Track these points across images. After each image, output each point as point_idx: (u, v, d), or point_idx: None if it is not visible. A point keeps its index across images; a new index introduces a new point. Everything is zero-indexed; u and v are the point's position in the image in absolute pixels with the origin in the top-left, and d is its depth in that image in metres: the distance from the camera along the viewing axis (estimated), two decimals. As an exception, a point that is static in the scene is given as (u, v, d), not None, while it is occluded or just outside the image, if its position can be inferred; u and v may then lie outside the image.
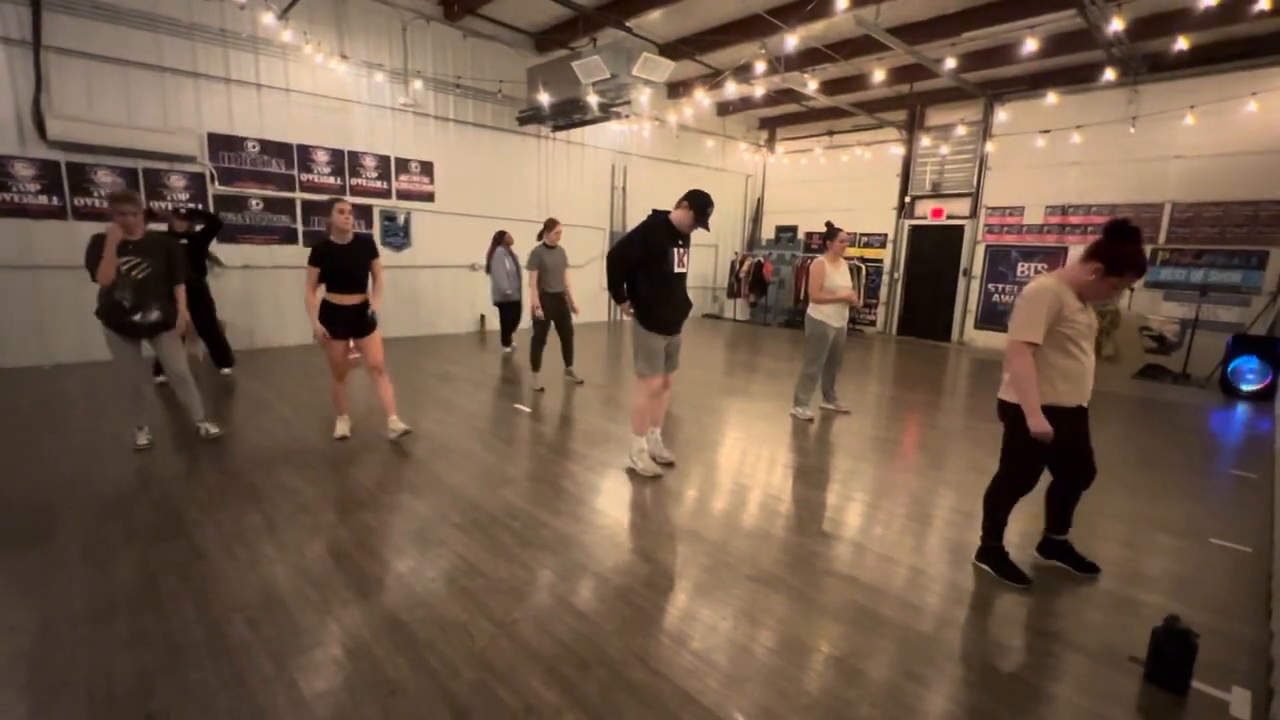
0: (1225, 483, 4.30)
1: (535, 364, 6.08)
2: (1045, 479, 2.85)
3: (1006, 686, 2.10)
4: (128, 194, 3.79)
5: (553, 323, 6.08)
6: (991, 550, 2.85)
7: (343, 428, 4.37)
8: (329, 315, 4.08)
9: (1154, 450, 4.96)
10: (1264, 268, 7.83)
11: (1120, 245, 2.49)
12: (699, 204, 3.66)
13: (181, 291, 4.03)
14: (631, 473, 3.91)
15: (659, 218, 3.73)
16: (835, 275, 5.20)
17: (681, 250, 3.75)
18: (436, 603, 2.44)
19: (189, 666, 2.04)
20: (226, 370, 6.03)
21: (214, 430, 4.25)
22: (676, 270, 3.72)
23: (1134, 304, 8.68)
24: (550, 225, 5.96)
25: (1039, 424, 2.51)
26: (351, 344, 4.22)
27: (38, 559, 2.68)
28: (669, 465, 4.07)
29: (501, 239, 7.64)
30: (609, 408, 5.56)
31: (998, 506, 2.82)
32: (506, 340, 7.92)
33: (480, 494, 3.54)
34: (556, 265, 5.94)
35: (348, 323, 4.12)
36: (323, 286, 4.09)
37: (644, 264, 3.67)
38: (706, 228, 3.76)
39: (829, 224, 5.34)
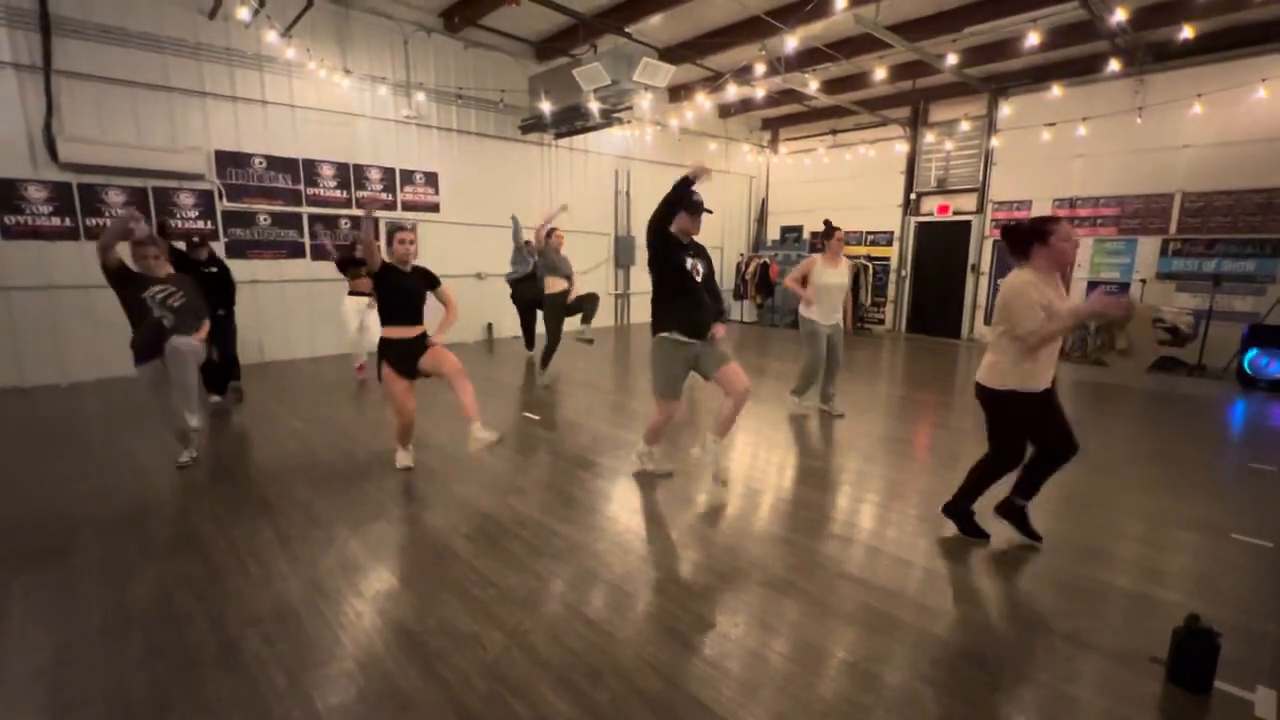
0: (1244, 477, 4.22)
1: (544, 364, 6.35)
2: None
3: (1024, 689, 2.07)
4: (151, 236, 3.85)
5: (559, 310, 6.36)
6: (961, 511, 3.14)
7: (405, 459, 4.06)
8: (389, 352, 3.82)
9: (1170, 445, 4.89)
10: (1278, 256, 7.71)
11: (1034, 225, 2.80)
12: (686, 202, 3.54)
13: (205, 326, 4.08)
14: (642, 474, 3.88)
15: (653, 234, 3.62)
16: (827, 274, 5.19)
17: (691, 261, 3.62)
18: (448, 614, 2.44)
19: (204, 681, 2.05)
20: (217, 398, 5.69)
21: (183, 459, 4.07)
22: (696, 279, 3.62)
23: (1146, 296, 8.58)
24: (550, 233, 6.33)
25: (1106, 302, 2.74)
26: (421, 371, 3.90)
27: (55, 575, 2.71)
28: (723, 483, 3.84)
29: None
30: (618, 414, 5.56)
31: (982, 480, 3.06)
32: (530, 345, 7.90)
33: (490, 503, 3.55)
34: (565, 270, 6.31)
35: (408, 358, 3.83)
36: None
37: (664, 268, 3.58)
38: (709, 211, 3.65)
39: (827, 222, 5.37)
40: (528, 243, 7.22)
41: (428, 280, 3.95)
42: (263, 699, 1.97)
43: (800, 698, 2.00)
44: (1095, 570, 2.85)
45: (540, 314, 6.61)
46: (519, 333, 8.13)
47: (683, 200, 3.46)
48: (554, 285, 6.27)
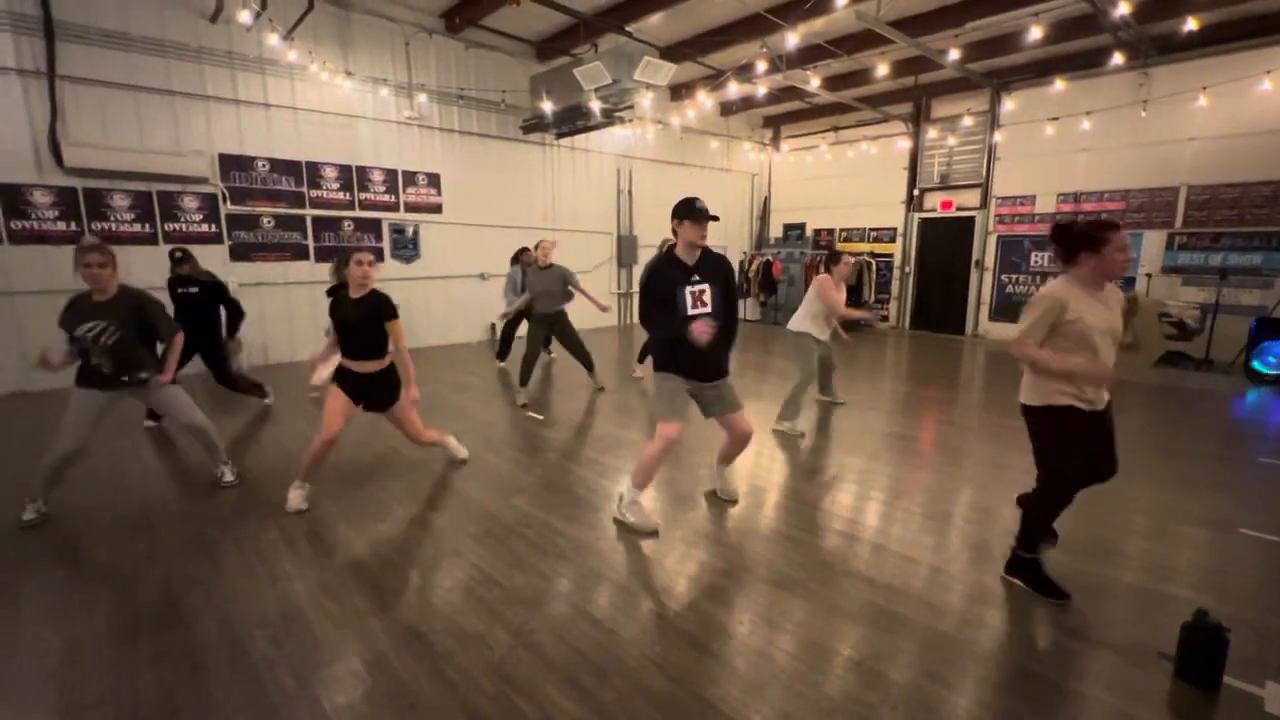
0: (1253, 471, 4.20)
1: (523, 379, 5.87)
2: None
3: (1032, 686, 2.06)
4: (95, 243, 3.25)
5: (557, 341, 6.10)
6: (1025, 563, 2.63)
7: (297, 500, 3.41)
8: (343, 380, 3.49)
9: (1178, 439, 4.86)
10: (1286, 249, 7.66)
11: (1088, 230, 2.51)
12: (685, 211, 3.01)
13: (178, 341, 3.55)
14: (620, 525, 3.25)
15: (660, 257, 3.22)
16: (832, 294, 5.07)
17: (698, 289, 3.04)
18: (454, 614, 2.45)
19: (212, 683, 2.06)
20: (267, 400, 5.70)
21: (229, 477, 3.79)
22: (691, 313, 3.02)
23: (1152, 290, 8.53)
24: (536, 246, 5.93)
25: (1096, 369, 2.43)
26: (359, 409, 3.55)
27: (63, 579, 2.73)
28: (733, 502, 3.57)
29: (519, 258, 7.23)
30: (621, 414, 5.56)
31: (1041, 514, 2.62)
32: (546, 346, 7.47)
33: (495, 503, 3.55)
34: (548, 287, 5.75)
35: (365, 394, 3.52)
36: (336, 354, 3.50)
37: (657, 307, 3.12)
38: (714, 218, 3.06)
39: (830, 248, 5.23)
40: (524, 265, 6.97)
41: (386, 309, 3.46)
42: (270, 700, 1.98)
43: (806, 696, 2.00)
44: (1103, 566, 2.83)
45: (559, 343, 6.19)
46: (521, 334, 8.08)
47: (692, 211, 3.00)
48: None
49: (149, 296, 3.51)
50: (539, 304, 5.84)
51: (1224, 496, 3.69)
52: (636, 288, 11.57)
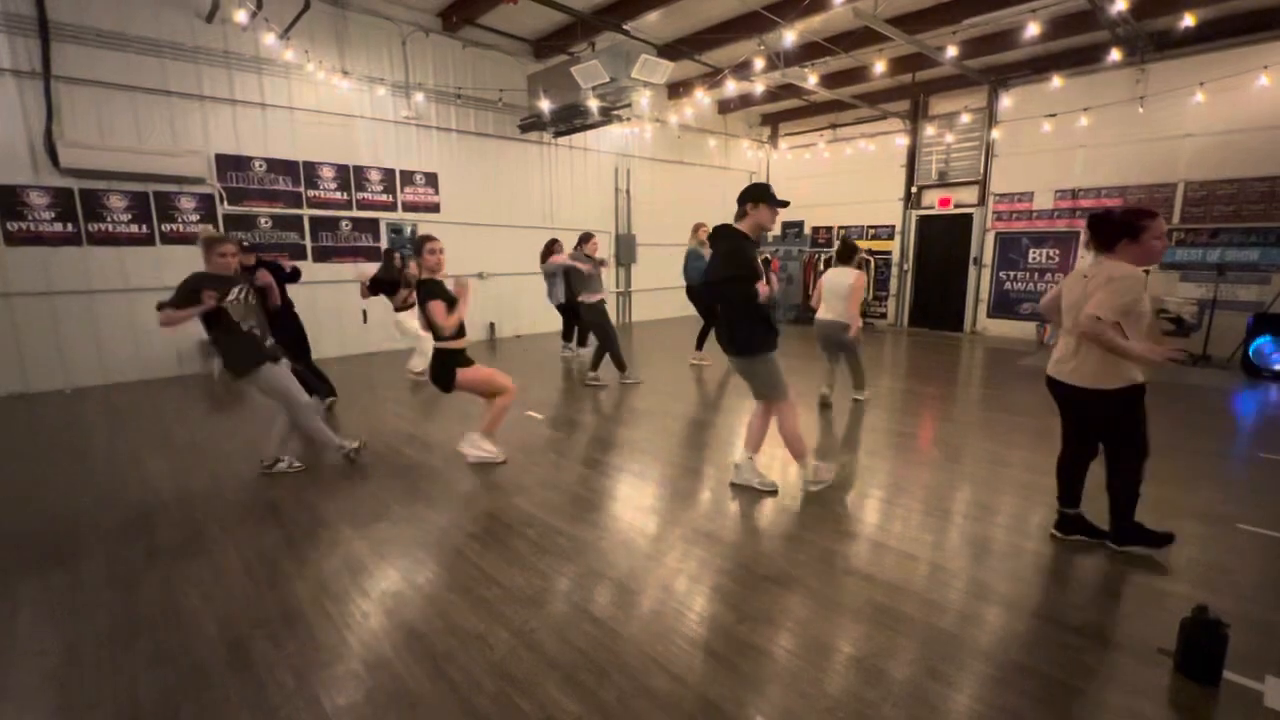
0: (1251, 466, 4.21)
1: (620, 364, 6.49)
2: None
3: (1032, 682, 2.06)
4: (222, 236, 3.82)
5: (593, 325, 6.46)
6: (1135, 529, 2.83)
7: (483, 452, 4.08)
8: (462, 361, 3.94)
9: (1176, 435, 4.87)
10: (1283, 244, 7.67)
11: (1127, 219, 2.62)
12: (763, 195, 3.38)
13: (268, 280, 4.17)
14: (745, 489, 3.68)
15: (739, 237, 3.42)
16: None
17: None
18: (454, 613, 2.45)
19: (212, 684, 2.06)
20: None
21: (353, 443, 4.14)
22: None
23: (1150, 286, 8.54)
24: (586, 238, 6.52)
25: (1159, 351, 2.53)
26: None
27: (62, 581, 2.72)
28: (772, 492, 3.67)
29: (551, 249, 7.45)
30: (622, 412, 5.55)
31: (1132, 488, 2.78)
32: (567, 338, 8.14)
33: (495, 503, 3.55)
34: (595, 274, 6.36)
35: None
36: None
37: (747, 280, 3.35)
38: (785, 203, 3.50)
39: (845, 242, 5.49)
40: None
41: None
42: (270, 700, 1.98)
43: (807, 694, 2.00)
44: (1102, 562, 2.84)
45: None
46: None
47: (769, 197, 3.40)
48: (590, 298, 6.34)
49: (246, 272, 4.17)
50: (594, 289, 6.32)
51: (1222, 491, 3.70)
52: (634, 284, 11.57)
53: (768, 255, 12.17)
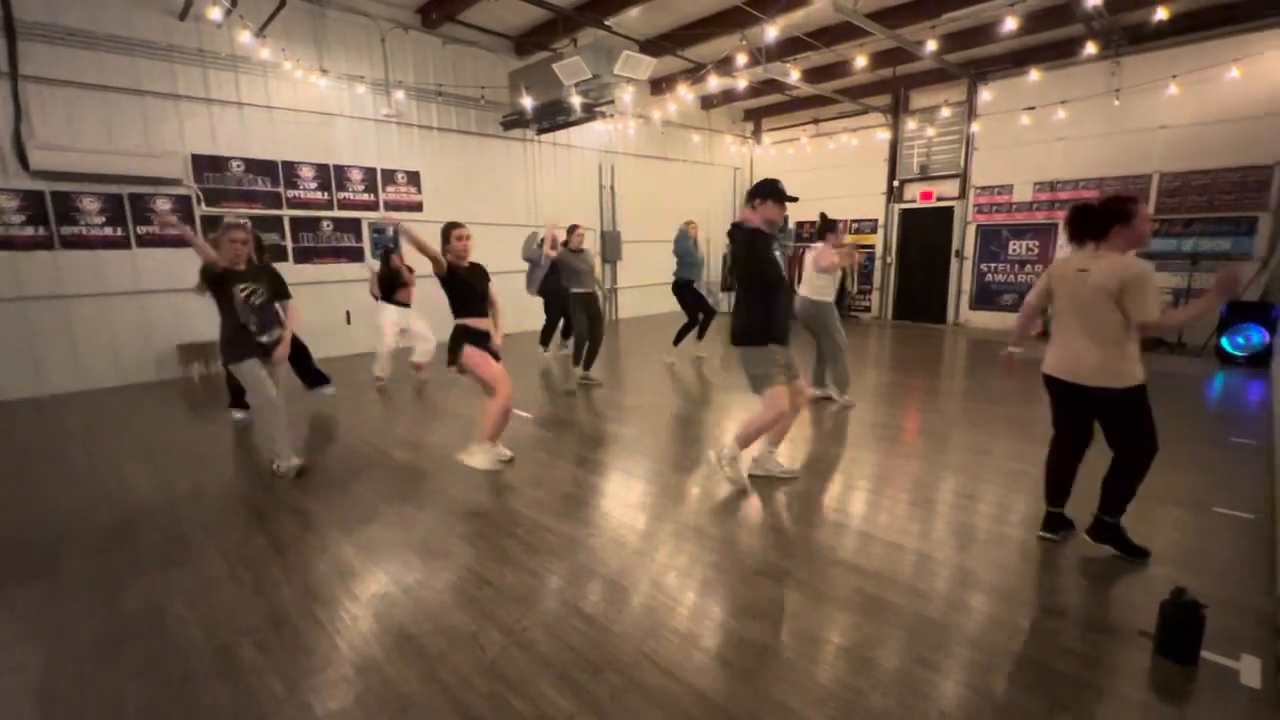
0: (1226, 451, 4.31)
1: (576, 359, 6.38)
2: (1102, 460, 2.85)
3: (1017, 667, 2.11)
4: (238, 222, 3.83)
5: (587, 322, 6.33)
6: (1113, 529, 2.79)
7: (488, 460, 3.90)
8: (476, 340, 3.89)
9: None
10: (1254, 234, 7.85)
11: (1115, 206, 2.65)
12: (769, 191, 3.43)
13: (290, 308, 4.15)
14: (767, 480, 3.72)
15: (749, 230, 3.49)
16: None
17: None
18: (445, 614, 2.44)
19: (200, 693, 2.03)
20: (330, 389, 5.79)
21: (294, 463, 3.94)
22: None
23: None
24: (571, 230, 6.36)
25: (1216, 298, 2.49)
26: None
27: (43, 592, 2.67)
28: (793, 478, 3.80)
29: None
30: (610, 409, 5.56)
31: (1138, 485, 2.76)
32: (566, 335, 7.64)
33: (484, 502, 3.54)
34: (583, 267, 6.24)
35: (487, 343, 3.97)
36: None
37: (761, 275, 3.48)
38: (794, 198, 3.57)
39: (824, 216, 5.42)
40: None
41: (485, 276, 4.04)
42: (260, 707, 1.96)
43: (798, 684, 2.02)
44: (1083, 547, 2.89)
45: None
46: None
47: (775, 193, 3.41)
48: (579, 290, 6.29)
49: (272, 266, 4.26)
50: (579, 283, 6.25)
51: (1199, 476, 3.79)
52: (620, 281, 11.55)
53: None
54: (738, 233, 3.56)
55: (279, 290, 4.09)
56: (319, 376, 5.71)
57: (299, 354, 5.48)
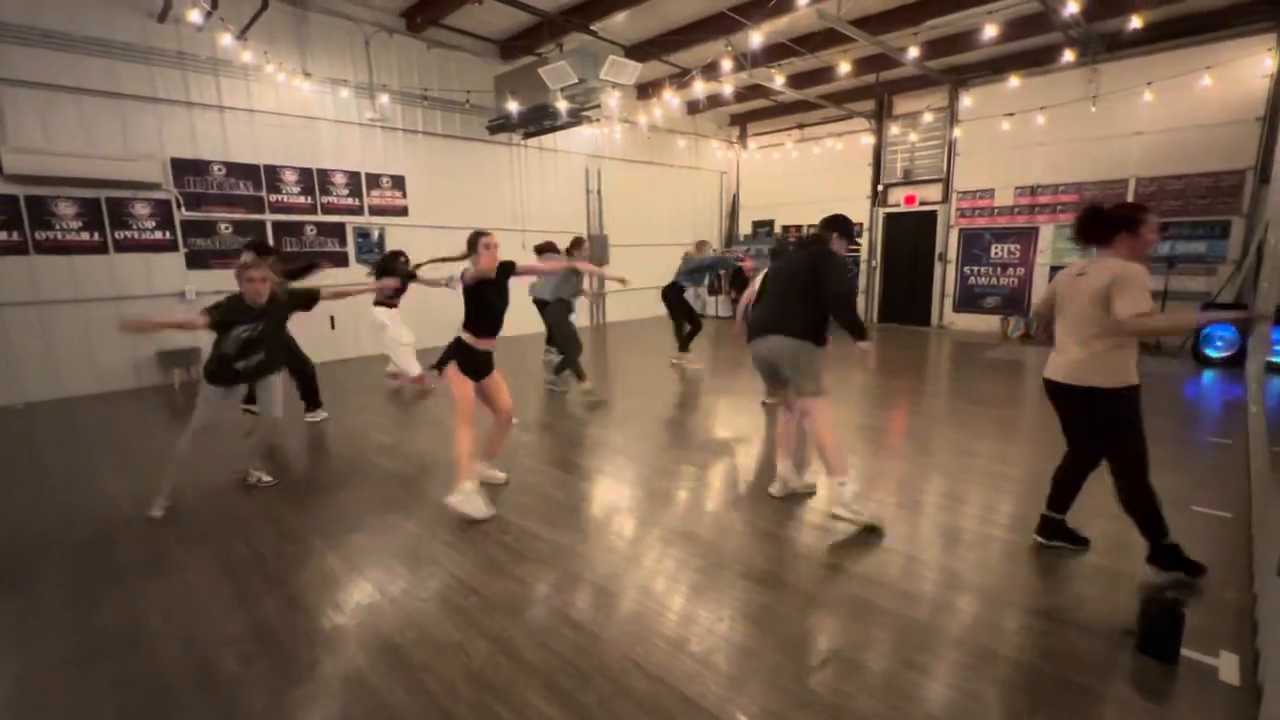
0: (1203, 450, 4.39)
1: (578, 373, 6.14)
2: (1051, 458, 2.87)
3: (1003, 668, 2.12)
4: (255, 261, 3.71)
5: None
6: (1169, 550, 2.62)
7: (477, 497, 3.35)
8: (467, 360, 3.60)
9: (1133, 422, 5.05)
10: (1227, 236, 8.02)
11: (1124, 213, 2.62)
12: (846, 230, 3.72)
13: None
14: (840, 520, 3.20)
15: (834, 254, 3.62)
16: None
17: None
18: (430, 624, 2.41)
19: (180, 707, 1.99)
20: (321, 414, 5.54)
21: (265, 478, 3.90)
22: None
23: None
24: (578, 243, 6.28)
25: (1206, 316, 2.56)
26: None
27: (17, 606, 2.60)
28: (810, 492, 3.68)
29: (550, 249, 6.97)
30: (595, 415, 5.54)
31: (1150, 497, 2.60)
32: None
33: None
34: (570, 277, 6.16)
35: (485, 368, 3.69)
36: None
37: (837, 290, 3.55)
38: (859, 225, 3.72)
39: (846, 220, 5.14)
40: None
41: (510, 270, 3.86)
42: (242, 721, 1.92)
43: (787, 689, 2.02)
44: (1067, 549, 2.92)
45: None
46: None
47: (851, 232, 3.74)
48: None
49: (290, 295, 3.90)
50: (570, 293, 6.24)
51: (1177, 475, 3.84)
52: (608, 285, 11.55)
53: (739, 255, 12.27)
54: (820, 247, 3.64)
55: (300, 306, 3.88)
56: (317, 401, 5.48)
57: (304, 376, 5.37)
